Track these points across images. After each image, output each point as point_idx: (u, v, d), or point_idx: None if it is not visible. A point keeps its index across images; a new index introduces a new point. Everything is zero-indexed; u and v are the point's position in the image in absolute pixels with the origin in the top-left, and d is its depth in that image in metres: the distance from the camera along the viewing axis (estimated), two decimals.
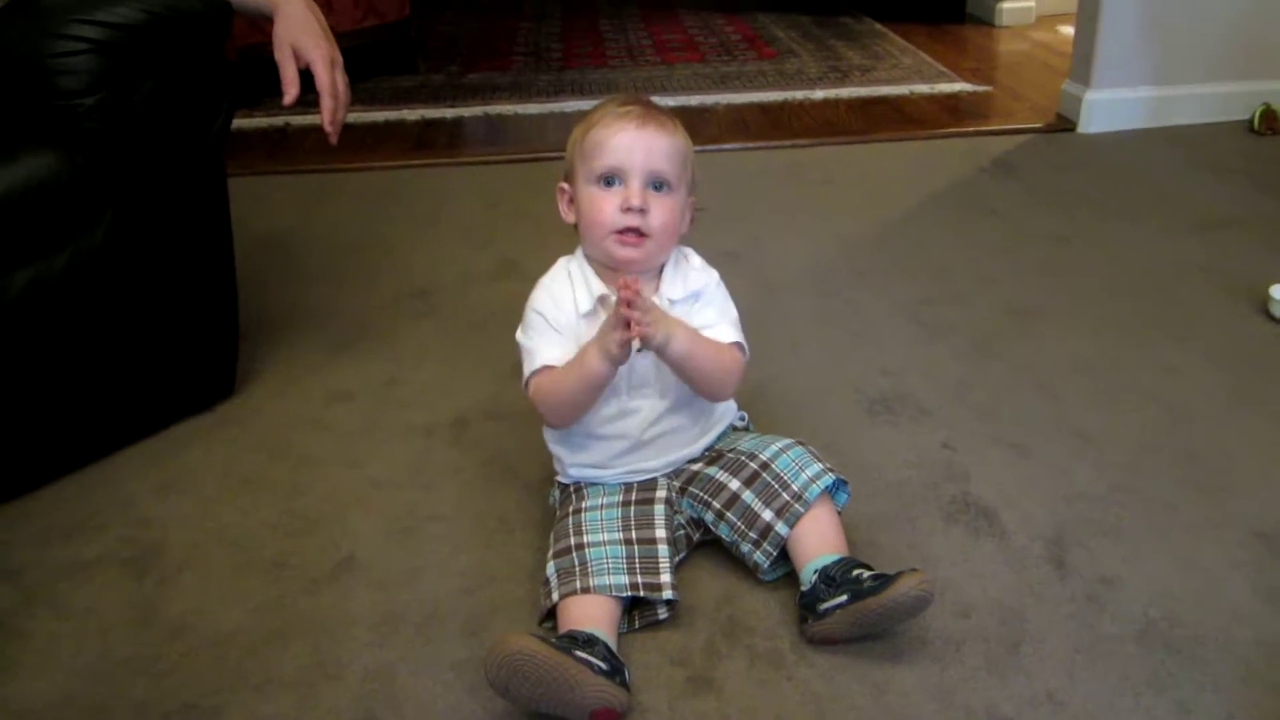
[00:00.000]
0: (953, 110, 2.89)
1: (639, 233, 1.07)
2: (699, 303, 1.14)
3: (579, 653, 0.95)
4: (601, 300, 1.12)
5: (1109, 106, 2.64)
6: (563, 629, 1.02)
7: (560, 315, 1.12)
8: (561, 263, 1.17)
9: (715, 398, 1.16)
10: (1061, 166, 2.44)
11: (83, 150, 1.25)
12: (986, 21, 3.98)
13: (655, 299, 1.11)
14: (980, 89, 3.06)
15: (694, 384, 1.12)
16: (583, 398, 1.09)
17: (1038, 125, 2.70)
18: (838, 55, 3.54)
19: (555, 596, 1.06)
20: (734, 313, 1.17)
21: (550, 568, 1.09)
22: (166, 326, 1.42)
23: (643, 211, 1.07)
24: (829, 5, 4.33)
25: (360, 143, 2.74)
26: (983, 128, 2.71)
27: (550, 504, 1.22)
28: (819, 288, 1.86)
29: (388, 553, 1.22)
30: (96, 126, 1.25)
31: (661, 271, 1.15)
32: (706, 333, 1.11)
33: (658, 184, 1.08)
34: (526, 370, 1.13)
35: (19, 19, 1.31)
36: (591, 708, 0.94)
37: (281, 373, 1.61)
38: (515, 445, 1.39)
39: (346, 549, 1.23)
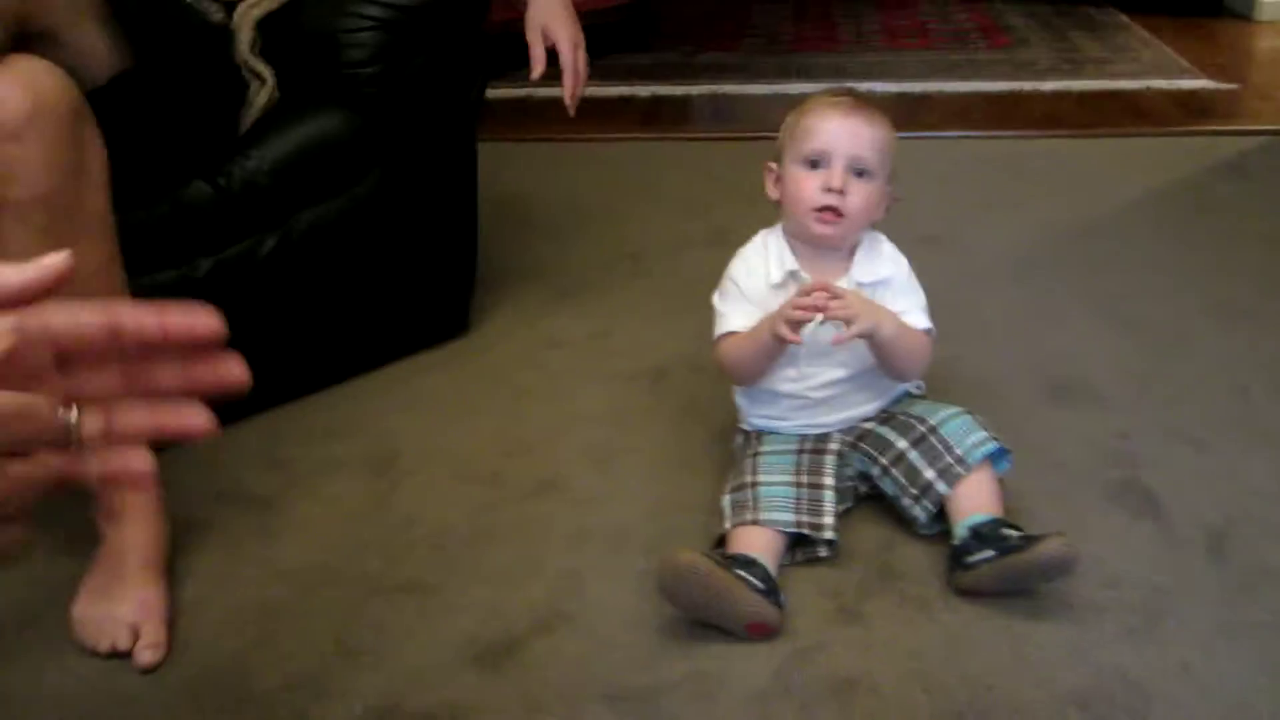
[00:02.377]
0: (1190, 108, 2.80)
1: (837, 212, 1.18)
2: (890, 290, 1.23)
3: (739, 571, 1.09)
4: (792, 274, 1.23)
5: None
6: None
7: (752, 284, 1.24)
8: (761, 235, 1.29)
9: (904, 379, 1.26)
10: None
11: (362, 112, 1.48)
12: (1245, 15, 3.77)
13: (844, 281, 1.21)
14: (1225, 86, 2.94)
15: (889, 366, 1.22)
16: (759, 365, 1.22)
17: None
18: (1074, 46, 3.47)
19: (728, 525, 1.19)
20: (924, 299, 1.25)
21: (726, 500, 1.23)
22: (416, 270, 1.64)
23: (842, 193, 1.18)
24: None
25: (594, 116, 2.94)
26: (1221, 127, 2.63)
27: (734, 448, 1.36)
28: (1017, 275, 1.90)
29: (586, 477, 1.39)
30: (375, 92, 1.47)
31: (854, 254, 1.24)
32: (903, 318, 1.21)
33: (859, 170, 1.18)
34: (716, 332, 1.26)
35: (319, 1, 1.55)
36: (747, 620, 1.08)
37: (508, 317, 1.82)
38: (708, 395, 1.52)
39: (551, 471, 1.41)
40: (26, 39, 1.09)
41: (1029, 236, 2.07)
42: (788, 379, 1.26)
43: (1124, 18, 3.83)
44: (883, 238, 1.28)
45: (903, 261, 1.27)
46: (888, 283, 1.24)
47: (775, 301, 1.22)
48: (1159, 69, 3.14)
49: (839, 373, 1.25)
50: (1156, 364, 1.60)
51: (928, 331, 1.24)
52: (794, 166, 1.21)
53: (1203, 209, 2.16)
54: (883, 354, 1.20)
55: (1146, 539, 1.23)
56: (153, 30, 1.24)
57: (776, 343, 1.17)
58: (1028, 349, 1.65)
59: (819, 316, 1.13)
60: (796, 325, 1.13)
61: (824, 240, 1.21)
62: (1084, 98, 2.91)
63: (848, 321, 1.13)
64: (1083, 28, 3.73)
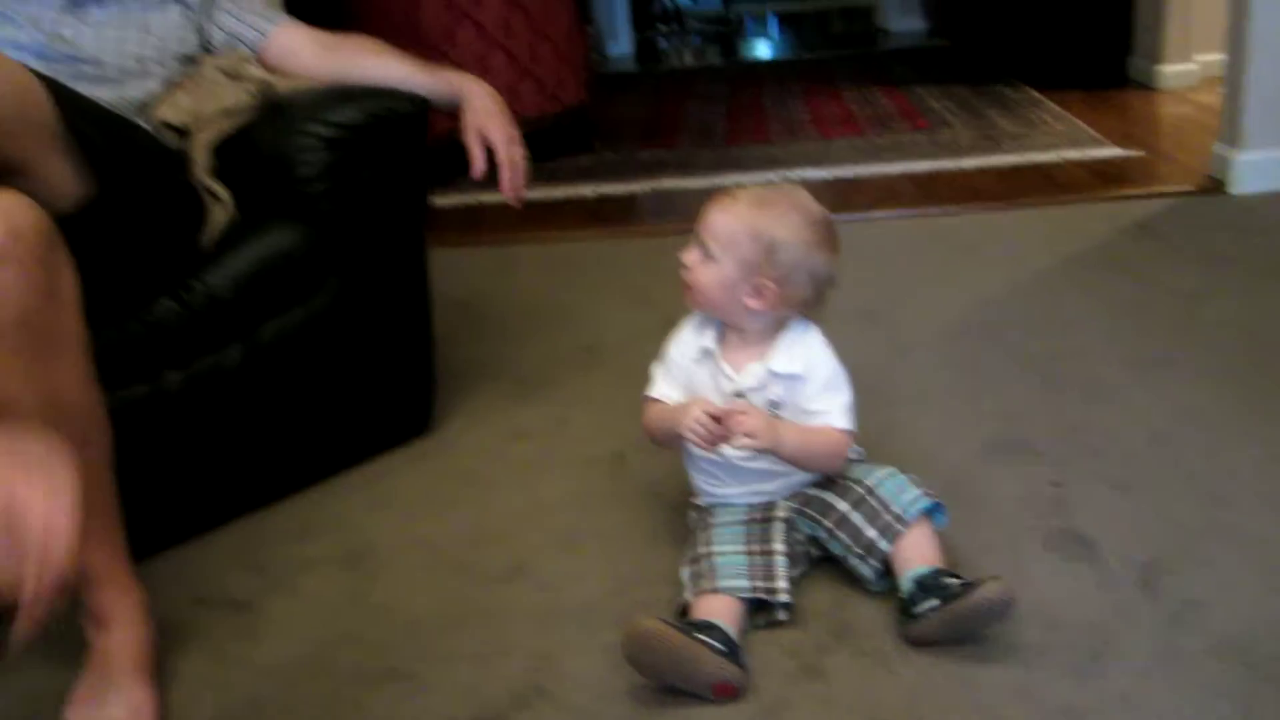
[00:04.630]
0: (1102, 175, 2.97)
1: (687, 284, 1.30)
2: (807, 387, 1.30)
3: (699, 635, 1.15)
4: (706, 352, 1.33)
5: (1260, 167, 2.68)
6: None
7: (679, 356, 1.34)
8: (696, 314, 1.38)
9: (820, 473, 1.34)
10: (1207, 227, 2.50)
11: (316, 226, 1.56)
12: (1148, 85, 4.01)
13: (757, 365, 1.30)
14: (1132, 154, 3.13)
15: (800, 468, 1.31)
16: (672, 440, 1.31)
17: (1187, 188, 2.76)
18: (991, 124, 3.66)
19: (688, 595, 1.26)
20: (847, 398, 1.31)
21: (685, 572, 1.29)
22: (376, 373, 1.70)
23: (686, 267, 1.29)
24: (987, 75, 4.45)
25: (542, 217, 3.06)
26: (1130, 191, 2.79)
27: (689, 521, 1.42)
28: (950, 342, 2.01)
29: (554, 559, 1.45)
30: (328, 207, 1.56)
31: (776, 340, 1.32)
32: (818, 419, 1.29)
33: (707, 253, 1.28)
34: (644, 393, 1.36)
35: (270, 122, 1.64)
36: (712, 681, 1.13)
37: (470, 413, 1.88)
38: (665, 474, 1.59)
39: (519, 556, 1.46)
40: None
41: (960, 305, 2.18)
42: (717, 464, 1.34)
43: (1036, 94, 4.05)
44: (814, 332, 1.34)
45: (829, 361, 1.32)
46: (802, 379, 1.30)
47: (697, 374, 1.33)
48: (1071, 140, 3.33)
49: (760, 460, 1.31)
50: (1083, 416, 1.70)
51: (847, 432, 1.31)
52: None
53: (1119, 268, 2.30)
54: (789, 462, 1.29)
55: (1082, 580, 1.31)
56: (115, 159, 1.31)
57: (682, 438, 1.26)
58: (963, 410, 1.75)
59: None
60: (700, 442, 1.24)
61: (691, 304, 1.33)
62: (1003, 172, 3.08)
63: (748, 435, 1.22)
64: (998, 106, 3.94)
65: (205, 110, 1.60)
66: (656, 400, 1.36)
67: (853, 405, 1.33)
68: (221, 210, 1.56)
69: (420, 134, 1.70)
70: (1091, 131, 3.42)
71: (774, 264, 1.26)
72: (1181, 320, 2.02)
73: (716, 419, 1.22)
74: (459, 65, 3.40)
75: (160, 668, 1.26)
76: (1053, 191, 2.86)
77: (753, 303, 1.28)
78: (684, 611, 1.26)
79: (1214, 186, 2.74)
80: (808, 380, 1.30)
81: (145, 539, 1.33)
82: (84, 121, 1.27)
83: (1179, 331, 1.97)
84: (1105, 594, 1.28)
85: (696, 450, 1.29)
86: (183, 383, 1.46)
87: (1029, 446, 1.62)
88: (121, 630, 1.22)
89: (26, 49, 1.53)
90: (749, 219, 1.26)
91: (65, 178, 1.25)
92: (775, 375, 1.30)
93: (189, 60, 1.71)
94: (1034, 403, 1.75)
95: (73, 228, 1.19)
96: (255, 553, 1.52)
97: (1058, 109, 3.78)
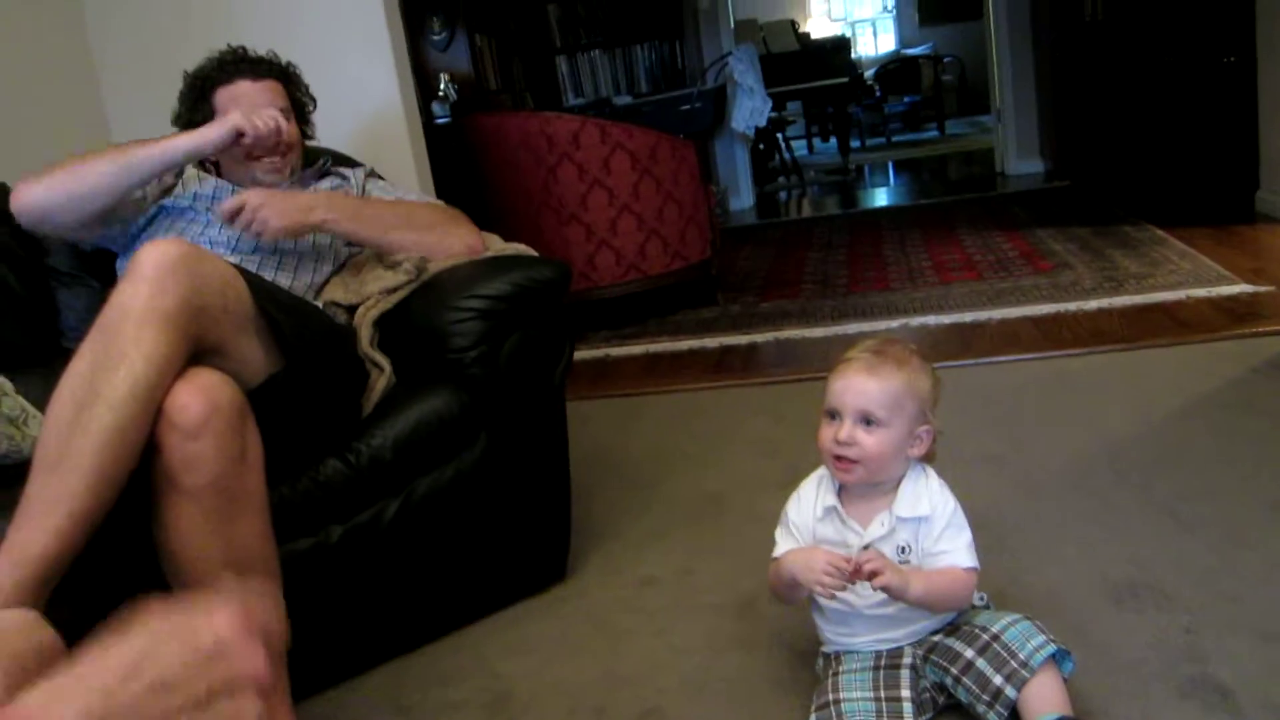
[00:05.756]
0: (1229, 312, 2.94)
1: (851, 459, 1.34)
2: (932, 529, 1.35)
3: None
4: (830, 509, 1.39)
5: None
6: None
7: (800, 516, 1.40)
8: (815, 473, 1.45)
9: (947, 613, 1.37)
10: None
11: (468, 390, 1.71)
12: (1276, 219, 3.97)
13: (884, 515, 1.35)
14: (1261, 289, 3.09)
15: (928, 610, 1.35)
16: (796, 594, 1.37)
17: None
18: (1114, 265, 3.67)
19: None
20: (969, 536, 1.36)
21: (813, 718, 1.33)
22: (517, 524, 1.82)
23: (850, 444, 1.33)
24: (1109, 215, 4.47)
25: (667, 369, 3.19)
26: (1261, 328, 2.76)
27: (816, 669, 1.46)
28: (1077, 486, 2.02)
29: (685, 705, 1.50)
30: (479, 372, 1.71)
31: (898, 489, 1.38)
32: (942, 559, 1.33)
33: (867, 420, 1.34)
34: (771, 556, 1.41)
35: (425, 296, 1.81)
36: None
37: (602, 562, 1.97)
38: (791, 622, 1.64)
39: (652, 701, 1.52)
40: (201, 353, 1.34)
41: (1085, 447, 2.19)
42: (843, 610, 1.38)
43: (1160, 232, 4.05)
44: (930, 473, 1.40)
45: (949, 500, 1.37)
46: (929, 520, 1.35)
47: (821, 531, 1.38)
48: (1197, 278, 3.31)
49: (884, 600, 1.35)
50: (1218, 561, 1.68)
51: (972, 570, 1.35)
52: (822, 416, 1.39)
53: (1251, 408, 2.27)
54: (917, 605, 1.33)
55: None
56: (298, 338, 1.49)
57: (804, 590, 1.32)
58: (1090, 555, 1.75)
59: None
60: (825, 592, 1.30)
61: (844, 481, 1.36)
62: (1126, 312, 3.08)
63: (874, 574, 1.27)
64: (1121, 246, 3.95)
65: (368, 289, 1.79)
66: (780, 559, 1.40)
67: (973, 543, 1.36)
68: (382, 378, 1.72)
69: (560, 297, 1.84)
70: (1218, 268, 3.40)
71: (928, 413, 1.35)
72: None
73: (846, 568, 1.28)
74: (590, 228, 3.66)
75: None
76: (1179, 331, 2.85)
77: (914, 452, 1.36)
78: None
79: None
80: (933, 521, 1.35)
81: (302, 681, 1.44)
82: (273, 306, 1.46)
83: None
84: None
85: (824, 601, 1.33)
86: (342, 535, 1.60)
87: (1160, 591, 1.61)
88: None
89: (220, 244, 1.76)
90: (902, 378, 1.33)
91: (257, 356, 1.43)
92: (903, 521, 1.35)
93: (354, 245, 1.92)
94: (1165, 546, 1.74)
95: (259, 398, 1.36)
96: (401, 696, 1.62)
97: (1183, 246, 3.77)
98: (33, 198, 1.70)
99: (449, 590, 1.77)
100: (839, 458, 1.34)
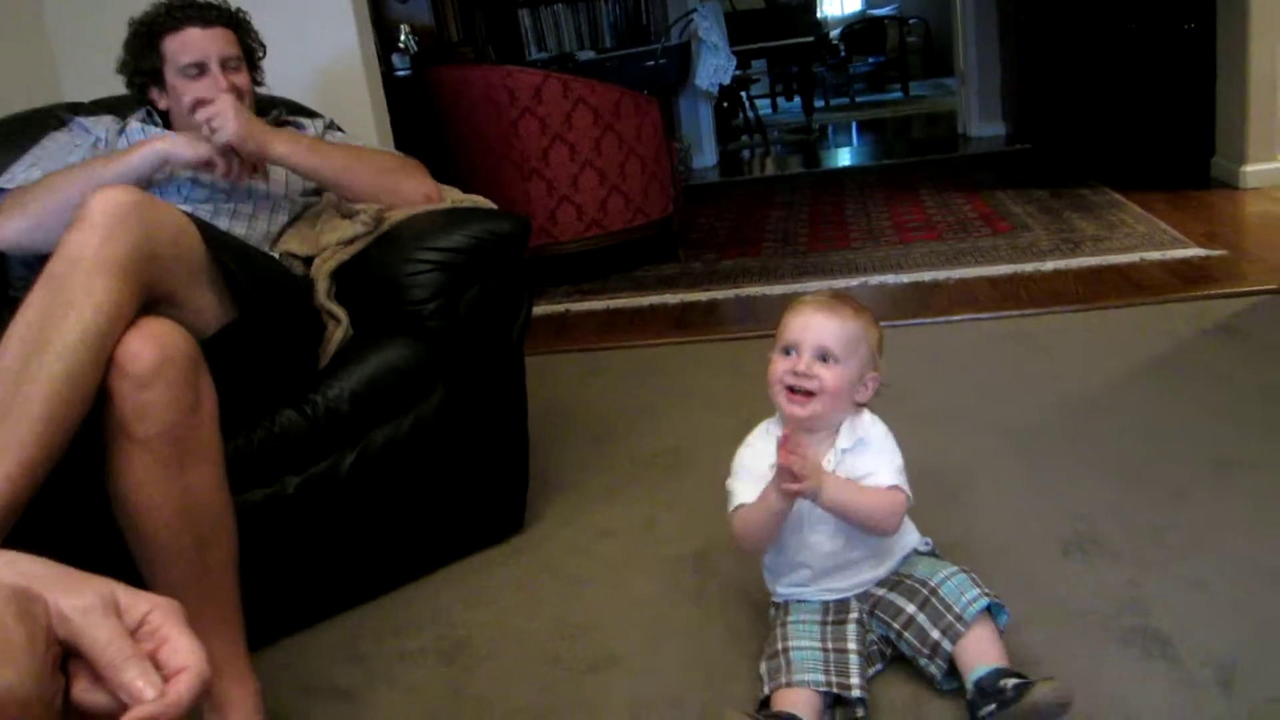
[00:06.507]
0: (1183, 275, 2.99)
1: (807, 393, 1.35)
2: (866, 451, 1.38)
3: None
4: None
5: None
6: None
7: (756, 464, 1.40)
8: (763, 423, 1.46)
9: (876, 533, 1.38)
10: None
11: (426, 341, 1.70)
12: (1231, 185, 4.02)
13: (831, 450, 1.37)
14: (1214, 253, 3.14)
15: (853, 524, 1.36)
16: (767, 529, 1.37)
17: (1270, 287, 2.76)
18: (1071, 227, 3.71)
19: (766, 689, 1.32)
20: (898, 461, 1.38)
21: (763, 667, 1.36)
22: (475, 475, 1.82)
23: (808, 375, 1.35)
24: (1068, 178, 4.51)
25: (627, 324, 3.19)
26: (1212, 291, 2.80)
27: (770, 619, 1.48)
28: (1030, 443, 2.05)
29: (641, 653, 1.52)
30: (437, 324, 1.70)
31: (839, 432, 1.40)
32: (869, 479, 1.35)
33: (824, 356, 1.36)
34: (729, 508, 1.42)
35: (382, 248, 1.79)
36: None
37: (560, 514, 1.98)
38: (746, 573, 1.65)
39: (608, 649, 1.54)
40: (153, 302, 1.32)
41: (1040, 407, 2.22)
42: (795, 549, 1.41)
43: (1117, 196, 4.10)
44: (866, 412, 1.42)
45: (879, 426, 1.41)
46: (864, 442, 1.38)
47: (772, 477, 1.37)
48: (1152, 241, 3.36)
49: (837, 541, 1.39)
50: (1162, 516, 1.72)
51: (897, 489, 1.36)
52: (775, 354, 1.40)
53: (1200, 368, 2.32)
54: (839, 515, 1.34)
55: (1158, 677, 1.33)
56: (253, 288, 1.47)
57: (780, 504, 1.32)
58: (1040, 509, 1.78)
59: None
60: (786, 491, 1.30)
61: (796, 418, 1.37)
62: (1082, 274, 3.12)
63: (795, 478, 1.28)
64: (1079, 208, 3.99)
65: (325, 240, 1.77)
66: (744, 505, 1.40)
67: (904, 470, 1.38)
68: (339, 329, 1.71)
69: (519, 250, 1.83)
70: (1173, 232, 3.45)
71: (876, 360, 1.39)
72: (1264, 419, 2.03)
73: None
74: (551, 183, 3.63)
75: None
76: (1133, 293, 2.89)
77: (861, 396, 1.39)
78: (764, 705, 1.32)
79: None
80: (867, 444, 1.38)
81: (258, 630, 1.44)
82: (227, 255, 1.44)
83: (1262, 431, 1.98)
84: (1183, 691, 1.30)
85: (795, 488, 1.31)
86: (299, 486, 1.59)
87: (1106, 545, 1.65)
88: (237, 715, 1.33)
89: (170, 194, 1.73)
90: (858, 322, 1.37)
91: (211, 306, 1.41)
92: (845, 452, 1.38)
93: (311, 194, 1.89)
94: (1112, 502, 1.78)
95: (213, 348, 1.35)
96: (358, 645, 1.63)
97: (1139, 210, 3.82)
98: (13, 234, 1.67)
99: (406, 541, 1.77)
100: (794, 390, 1.35)
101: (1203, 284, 2.90)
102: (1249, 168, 3.97)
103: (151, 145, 1.68)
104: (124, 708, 0.57)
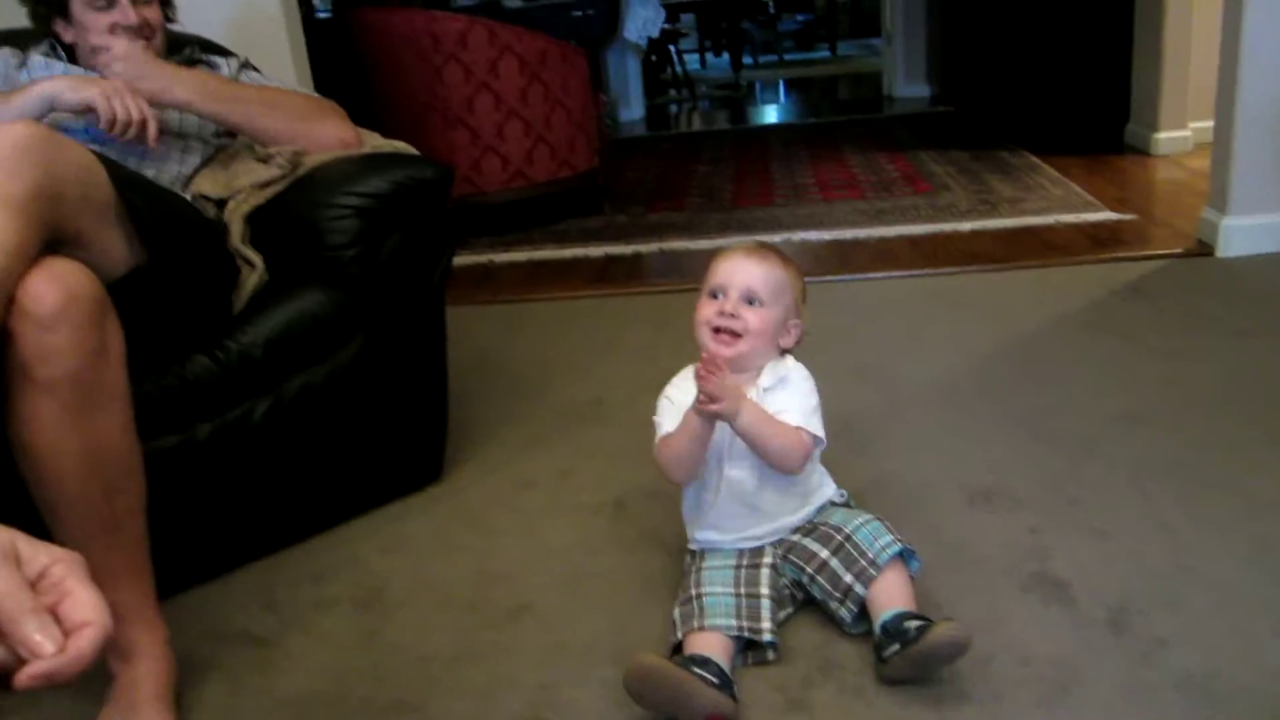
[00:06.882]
0: (1094, 238, 3.07)
1: (733, 333, 1.37)
2: (784, 389, 1.41)
3: (695, 668, 1.23)
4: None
5: (1247, 231, 2.78)
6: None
7: (682, 400, 1.42)
8: (690, 365, 1.48)
9: (782, 470, 1.40)
10: (1193, 289, 2.59)
11: (344, 289, 1.67)
12: (1144, 151, 4.13)
13: (753, 389, 1.40)
14: (1125, 217, 3.23)
15: (762, 456, 1.38)
16: (690, 454, 1.38)
17: (1176, 251, 2.86)
18: (990, 189, 3.78)
19: (679, 634, 1.34)
20: (811, 403, 1.41)
21: (676, 612, 1.38)
22: (393, 424, 1.81)
23: (734, 316, 1.37)
24: (988, 141, 4.59)
25: (551, 276, 3.18)
26: (1121, 254, 2.89)
27: (685, 567, 1.51)
28: (942, 397, 2.10)
29: (556, 600, 1.54)
30: (356, 271, 1.67)
31: (762, 372, 1.43)
32: (782, 416, 1.38)
33: (750, 299, 1.38)
34: (656, 440, 1.44)
35: (300, 192, 1.76)
36: (705, 712, 1.21)
37: (479, 464, 1.98)
38: (663, 521, 1.68)
39: (525, 597, 1.55)
40: (58, 243, 1.28)
41: (952, 362, 2.28)
42: (714, 488, 1.43)
43: (1035, 159, 4.18)
44: (790, 358, 1.45)
45: (800, 369, 1.44)
46: (785, 381, 1.41)
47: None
48: (1067, 204, 3.44)
49: (753, 478, 1.41)
50: (1065, 467, 1.78)
51: (801, 430, 1.38)
52: (702, 299, 1.42)
53: (1107, 328, 2.39)
54: (749, 443, 1.36)
55: (1054, 620, 1.38)
56: (162, 230, 1.43)
57: (702, 424, 1.34)
58: (951, 461, 1.83)
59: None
60: (705, 406, 1.31)
61: (722, 358, 1.38)
62: (999, 235, 3.19)
63: (713, 398, 1.30)
64: (997, 170, 4.06)
65: (239, 183, 1.73)
66: (669, 434, 1.41)
67: (818, 412, 1.41)
68: (254, 274, 1.67)
69: (442, 198, 1.81)
70: (1087, 196, 3.53)
71: (800, 309, 1.43)
72: (1166, 377, 2.11)
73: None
74: (476, 132, 3.58)
75: (180, 699, 1.35)
76: (1047, 253, 2.96)
77: (785, 341, 1.42)
78: (677, 649, 1.34)
79: (1202, 250, 2.84)
80: (788, 383, 1.41)
81: (169, 578, 1.42)
82: (136, 196, 1.39)
83: (1162, 388, 2.06)
84: (1077, 633, 1.36)
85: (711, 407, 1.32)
86: (211, 433, 1.56)
87: (1011, 495, 1.70)
88: (145, 663, 1.31)
89: (77, 130, 1.67)
90: (783, 270, 1.41)
91: (118, 247, 1.37)
92: (767, 390, 1.40)
93: (225, 135, 1.84)
94: (1018, 454, 1.84)
95: (121, 291, 1.31)
96: (273, 592, 1.61)
97: (1055, 174, 3.90)
98: None
99: (323, 489, 1.75)
100: (721, 330, 1.38)
101: (1113, 246, 2.98)
102: (1161, 134, 4.08)
103: (40, 87, 1.62)
104: (21, 662, 0.56)
